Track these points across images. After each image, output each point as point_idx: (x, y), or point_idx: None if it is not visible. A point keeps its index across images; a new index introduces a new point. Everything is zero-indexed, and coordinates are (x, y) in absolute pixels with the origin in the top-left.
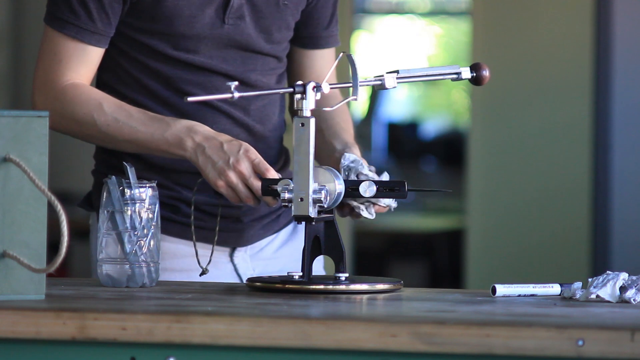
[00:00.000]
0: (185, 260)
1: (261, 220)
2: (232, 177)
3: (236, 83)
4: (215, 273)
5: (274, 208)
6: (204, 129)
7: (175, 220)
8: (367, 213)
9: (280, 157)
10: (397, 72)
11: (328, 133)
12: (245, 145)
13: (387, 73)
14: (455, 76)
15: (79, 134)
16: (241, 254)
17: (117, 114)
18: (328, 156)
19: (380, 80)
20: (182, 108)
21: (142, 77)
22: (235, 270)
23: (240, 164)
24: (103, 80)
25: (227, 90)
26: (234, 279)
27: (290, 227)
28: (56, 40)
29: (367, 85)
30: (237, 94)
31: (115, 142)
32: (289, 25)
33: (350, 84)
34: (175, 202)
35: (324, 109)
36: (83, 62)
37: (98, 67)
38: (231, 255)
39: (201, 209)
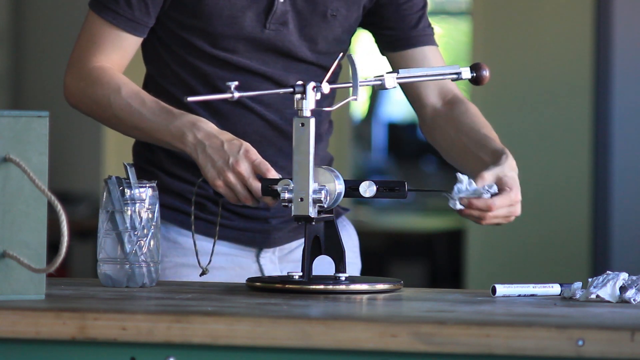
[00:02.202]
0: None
1: (291, 222)
2: (231, 177)
3: (236, 83)
4: (240, 273)
5: None
6: (207, 125)
7: (201, 217)
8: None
9: (322, 163)
10: (397, 72)
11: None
12: (246, 145)
13: (387, 73)
14: (455, 76)
15: (96, 115)
16: (268, 255)
17: (131, 100)
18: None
19: (380, 80)
20: (218, 107)
21: (181, 72)
22: (261, 271)
23: (239, 164)
24: (148, 72)
25: (229, 90)
26: None
27: None
28: (94, 23)
29: (367, 85)
30: (237, 94)
31: (125, 128)
32: (339, 38)
33: (350, 84)
34: (202, 200)
35: (324, 108)
36: (116, 48)
37: (145, 59)
38: (257, 256)
39: (228, 208)
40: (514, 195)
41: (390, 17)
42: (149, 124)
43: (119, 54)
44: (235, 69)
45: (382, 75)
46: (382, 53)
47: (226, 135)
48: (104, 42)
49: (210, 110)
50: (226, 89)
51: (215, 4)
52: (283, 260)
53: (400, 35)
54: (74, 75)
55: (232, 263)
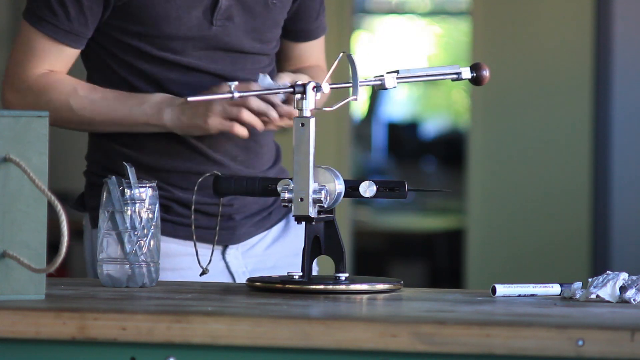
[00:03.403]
0: (177, 259)
1: (252, 217)
2: (234, 109)
3: (236, 83)
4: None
5: (265, 205)
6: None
7: (166, 219)
8: None
9: (270, 154)
10: (397, 72)
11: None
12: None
13: (387, 73)
14: (455, 76)
15: (57, 121)
16: (233, 251)
17: (92, 96)
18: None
19: (380, 80)
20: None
21: (131, 78)
22: (227, 268)
23: (232, 107)
24: (93, 80)
25: (227, 90)
26: (226, 277)
27: (281, 223)
28: (32, 36)
29: (367, 85)
30: (237, 94)
31: (93, 124)
32: (279, 24)
33: (350, 84)
34: (167, 202)
35: (324, 108)
36: (58, 59)
37: (88, 68)
38: (223, 253)
39: (193, 208)
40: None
41: (306, 8)
42: (119, 113)
43: (60, 65)
44: (186, 70)
45: (382, 75)
46: (282, 41)
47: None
48: (45, 55)
49: None
50: (179, 93)
51: (161, 7)
52: (246, 255)
53: (304, 27)
54: (17, 90)
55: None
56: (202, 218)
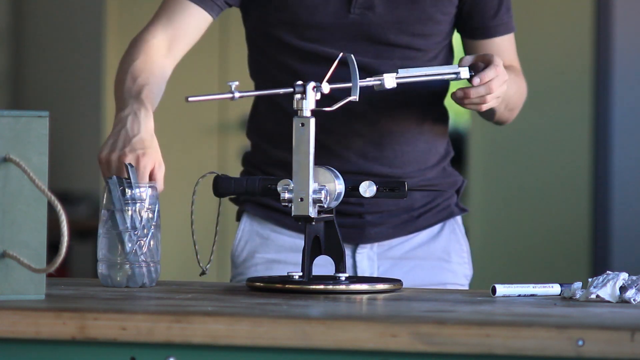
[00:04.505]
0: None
1: (390, 218)
2: (114, 155)
3: (237, 83)
4: (332, 270)
5: (410, 207)
6: (139, 122)
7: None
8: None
9: (427, 154)
10: (396, 72)
11: None
12: (146, 152)
13: (386, 73)
14: (453, 76)
15: (117, 82)
16: (366, 251)
17: (131, 82)
18: None
19: (379, 80)
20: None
21: (276, 72)
22: (354, 267)
23: (129, 153)
24: (252, 76)
25: (230, 89)
26: None
27: (434, 229)
28: None
29: (367, 85)
30: (237, 94)
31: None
32: (433, 18)
33: (350, 84)
34: None
35: (324, 109)
36: (179, 20)
37: (249, 67)
38: (354, 252)
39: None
40: (498, 64)
41: (481, 4)
42: (116, 97)
43: (179, 30)
44: (325, 62)
45: (382, 76)
46: (462, 39)
47: (143, 135)
48: (170, 14)
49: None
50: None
51: None
52: (382, 257)
53: (480, 24)
54: (128, 47)
55: (325, 260)
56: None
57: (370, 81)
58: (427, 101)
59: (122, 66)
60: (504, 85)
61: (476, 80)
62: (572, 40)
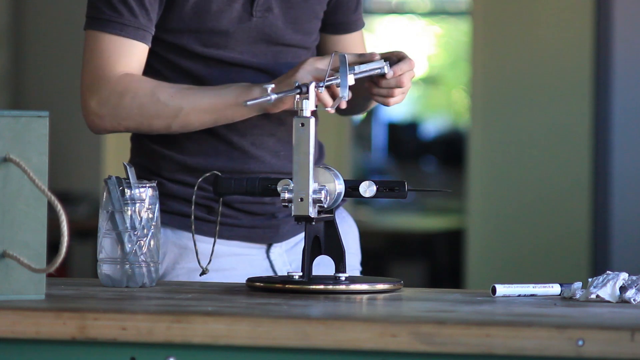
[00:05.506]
0: (221, 260)
1: None
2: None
3: (272, 85)
4: (251, 271)
5: None
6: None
7: (209, 220)
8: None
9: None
10: (353, 70)
11: None
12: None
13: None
14: (379, 71)
15: (144, 118)
16: (277, 249)
17: (176, 86)
18: None
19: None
20: None
21: (175, 77)
22: (272, 266)
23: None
24: None
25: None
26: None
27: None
28: (101, 40)
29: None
30: (274, 96)
31: (181, 114)
32: (318, 15)
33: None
34: (209, 202)
35: (325, 109)
36: (131, 58)
37: None
38: (267, 252)
39: (235, 207)
40: (411, 59)
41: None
42: (207, 97)
43: (135, 64)
44: (228, 66)
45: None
46: (322, 36)
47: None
48: (119, 54)
49: None
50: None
51: (202, 1)
52: (290, 253)
53: (343, 20)
54: (99, 95)
55: (242, 262)
56: (245, 217)
57: (365, 73)
58: None
59: (136, 101)
60: (409, 83)
61: (390, 73)
62: (572, 40)
